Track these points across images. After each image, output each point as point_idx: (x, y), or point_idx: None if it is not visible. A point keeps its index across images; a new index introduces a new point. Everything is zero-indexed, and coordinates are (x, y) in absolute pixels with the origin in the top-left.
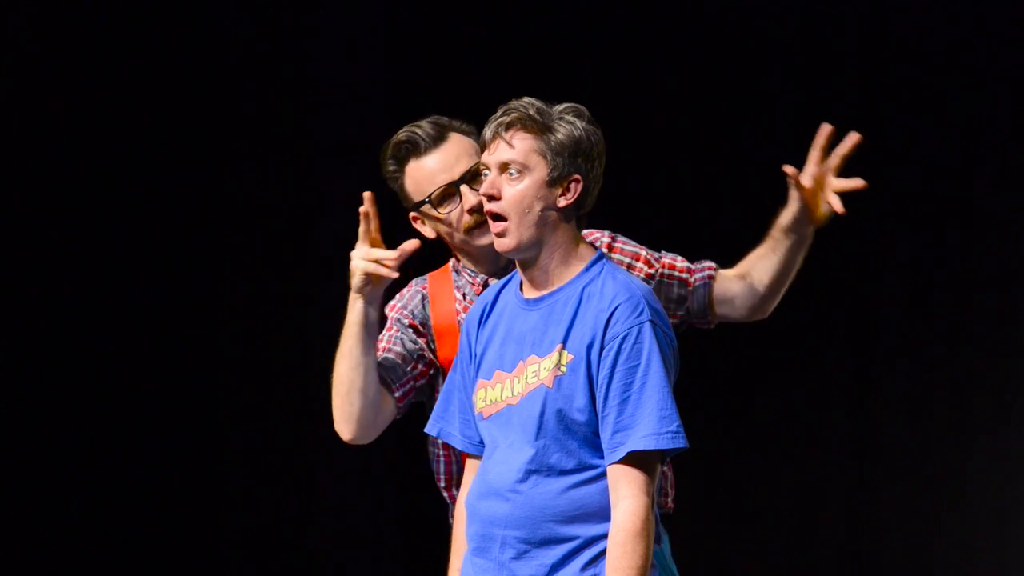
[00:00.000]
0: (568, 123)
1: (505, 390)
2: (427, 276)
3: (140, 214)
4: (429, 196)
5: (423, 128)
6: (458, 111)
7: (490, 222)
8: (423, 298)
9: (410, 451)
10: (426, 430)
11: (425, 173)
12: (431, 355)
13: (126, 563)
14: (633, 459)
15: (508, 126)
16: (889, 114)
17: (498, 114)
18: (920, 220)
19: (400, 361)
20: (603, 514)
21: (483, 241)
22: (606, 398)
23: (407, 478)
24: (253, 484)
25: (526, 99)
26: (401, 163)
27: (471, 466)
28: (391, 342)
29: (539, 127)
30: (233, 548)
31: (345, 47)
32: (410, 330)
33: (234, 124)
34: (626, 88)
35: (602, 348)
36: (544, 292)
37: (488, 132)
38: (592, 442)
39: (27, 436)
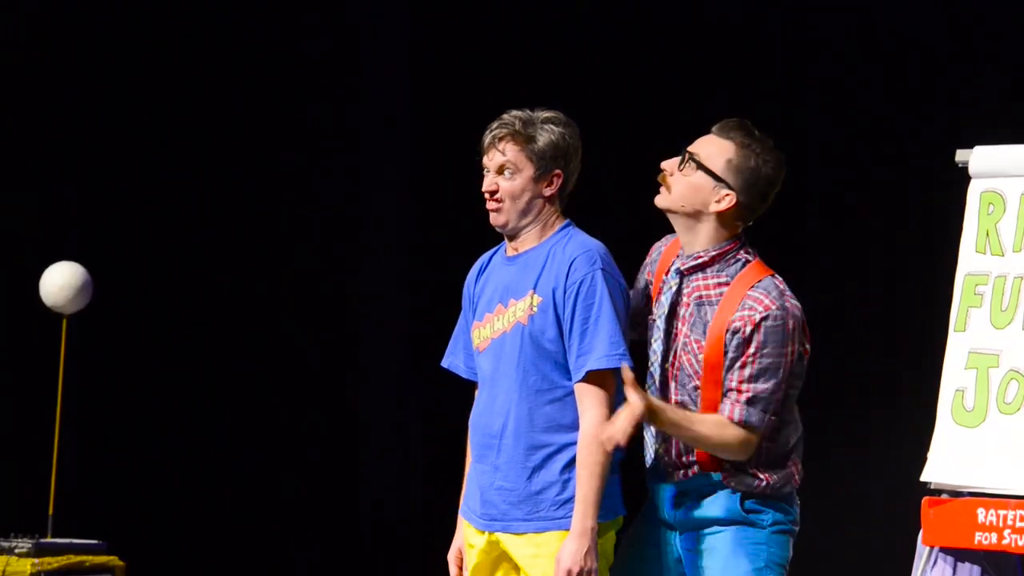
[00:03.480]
0: (547, 131)
1: (492, 326)
2: (673, 239)
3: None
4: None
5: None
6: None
7: (489, 206)
8: (660, 254)
9: (435, 390)
10: (442, 364)
11: (703, 139)
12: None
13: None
14: (593, 377)
15: (500, 138)
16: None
17: (493, 126)
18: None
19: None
20: (573, 425)
21: (655, 199)
22: (570, 331)
23: (432, 413)
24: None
25: (514, 113)
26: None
27: (479, 392)
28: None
29: (524, 138)
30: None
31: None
32: (645, 283)
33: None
34: (599, 89)
35: (565, 291)
36: (521, 251)
37: (485, 141)
38: (562, 366)
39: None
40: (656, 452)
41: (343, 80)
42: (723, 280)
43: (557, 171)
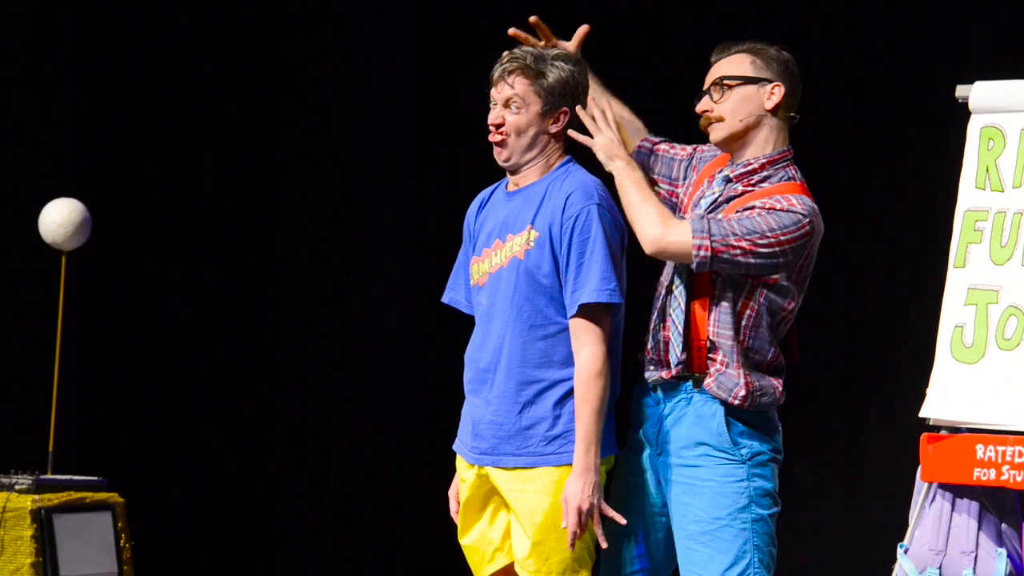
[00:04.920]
0: (557, 68)
1: (490, 261)
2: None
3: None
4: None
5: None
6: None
7: (494, 141)
8: (712, 156)
9: (435, 390)
10: (443, 300)
11: (714, 68)
12: (683, 187)
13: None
14: (587, 312)
15: (510, 72)
16: None
17: (503, 60)
18: None
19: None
20: (565, 361)
21: (711, 138)
22: (566, 266)
23: (432, 412)
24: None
25: (525, 48)
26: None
27: (476, 327)
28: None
29: (534, 73)
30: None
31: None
32: (684, 164)
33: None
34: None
35: (561, 226)
36: (522, 187)
37: (495, 75)
38: (557, 301)
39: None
40: (646, 359)
41: (343, 80)
42: (765, 187)
43: (564, 108)
